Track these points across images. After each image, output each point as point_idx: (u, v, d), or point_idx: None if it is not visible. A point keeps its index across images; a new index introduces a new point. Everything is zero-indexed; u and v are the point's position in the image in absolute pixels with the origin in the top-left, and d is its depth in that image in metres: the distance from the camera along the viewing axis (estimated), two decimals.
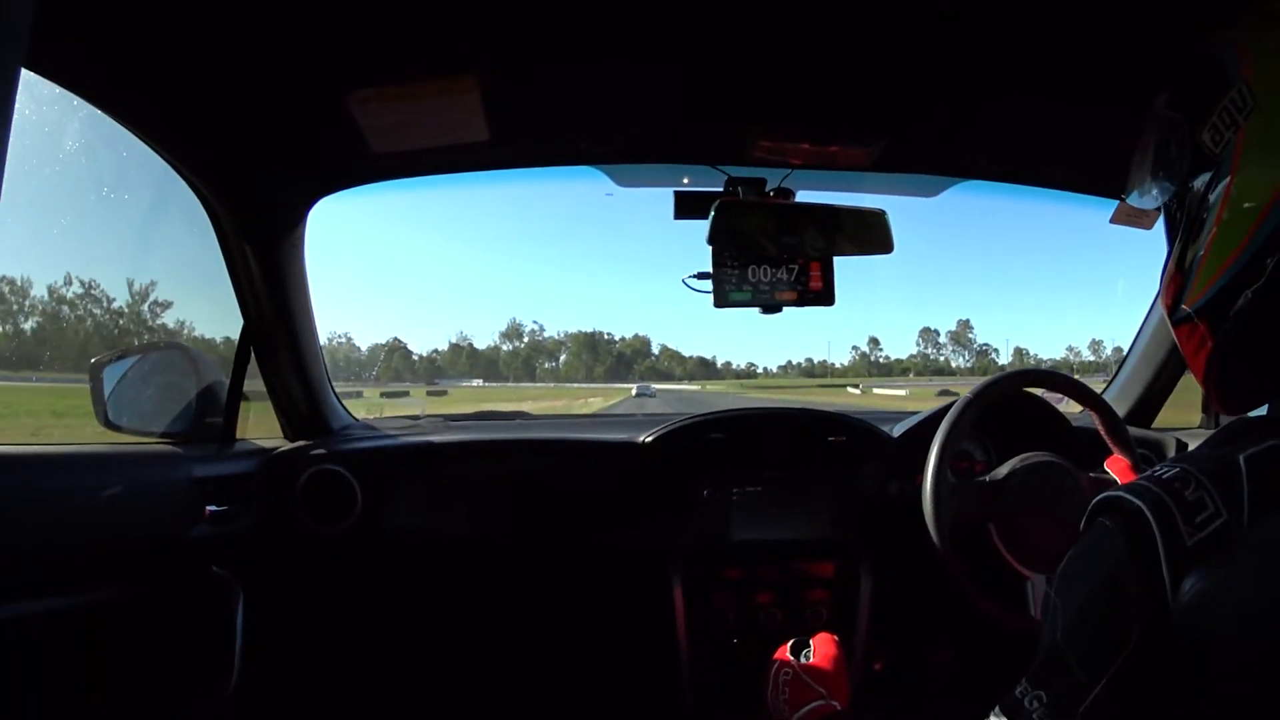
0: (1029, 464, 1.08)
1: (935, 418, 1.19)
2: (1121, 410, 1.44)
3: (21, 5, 0.30)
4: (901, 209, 1.24)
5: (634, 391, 33.37)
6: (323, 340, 1.33)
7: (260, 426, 1.30)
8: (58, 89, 0.84)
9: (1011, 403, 1.25)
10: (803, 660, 0.87)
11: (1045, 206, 1.40)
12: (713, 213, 1.08)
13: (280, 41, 0.83)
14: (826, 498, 1.28)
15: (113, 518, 0.95)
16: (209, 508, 1.07)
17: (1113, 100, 0.89)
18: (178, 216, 1.17)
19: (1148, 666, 0.40)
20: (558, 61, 0.91)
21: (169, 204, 1.16)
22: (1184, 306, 0.50)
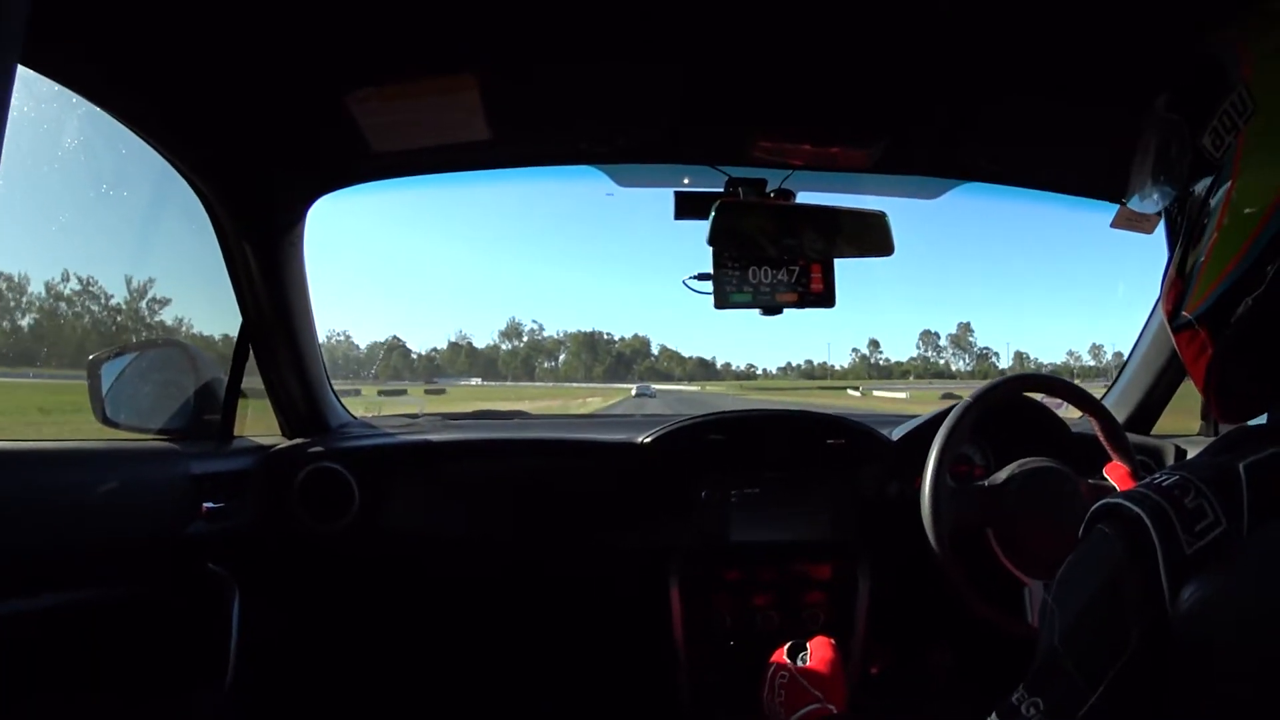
0: (1028, 469, 1.08)
1: (935, 421, 1.19)
2: (1121, 416, 1.43)
3: (17, 3, 0.30)
4: (902, 211, 1.24)
5: (634, 391, 33.29)
6: (321, 338, 1.33)
7: (258, 424, 1.30)
8: (57, 87, 0.84)
9: (1011, 407, 1.25)
10: (799, 663, 0.87)
11: (1046, 209, 1.40)
12: (713, 213, 1.08)
13: (280, 40, 0.83)
14: (825, 499, 1.27)
15: (109, 514, 0.95)
16: (206, 504, 1.07)
17: (1113, 101, 0.89)
18: (176, 214, 1.17)
19: (1146, 673, 0.40)
20: (558, 61, 0.91)
21: (168, 202, 1.16)
22: (1184, 313, 0.50)
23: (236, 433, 1.23)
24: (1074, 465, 1.10)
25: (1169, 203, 0.53)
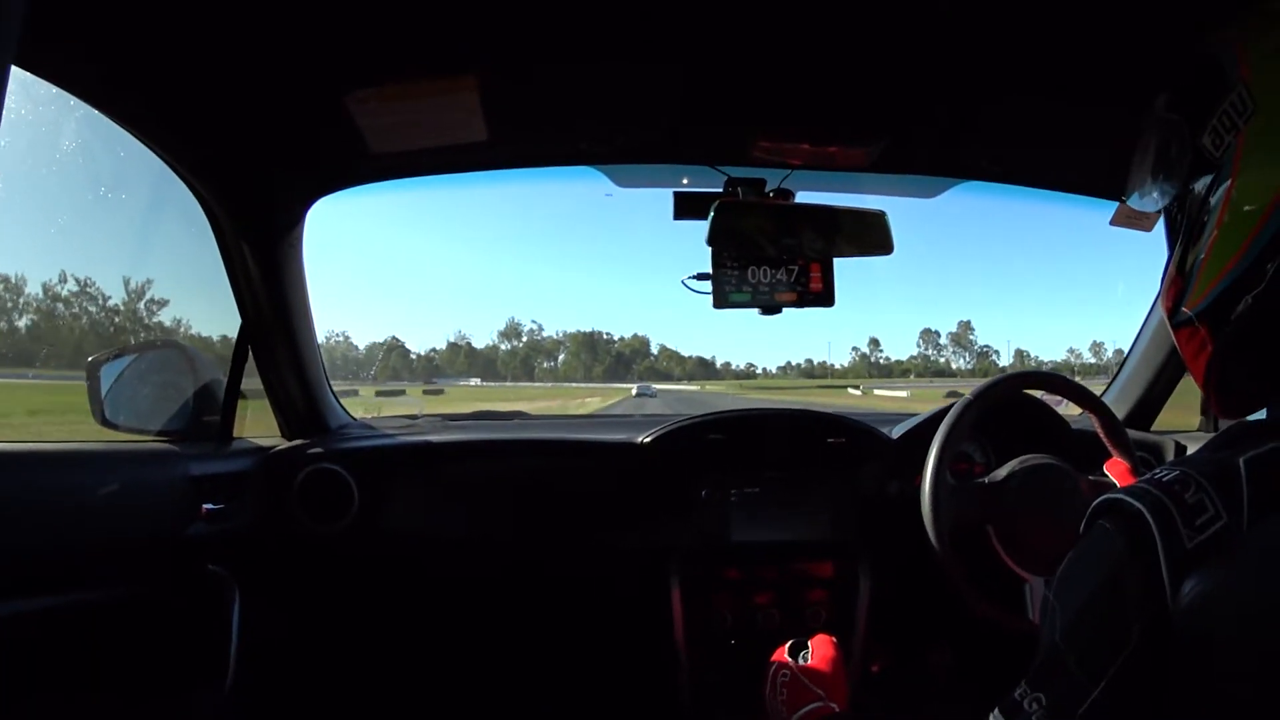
0: (1028, 466, 1.08)
1: (935, 419, 1.19)
2: (1121, 413, 1.44)
3: (13, 4, 0.30)
4: (901, 210, 1.24)
5: (634, 391, 33.23)
6: (320, 339, 1.33)
7: (258, 425, 1.30)
8: (54, 89, 0.84)
9: (1011, 404, 1.25)
10: (801, 661, 0.87)
11: (1046, 207, 1.40)
12: (712, 213, 1.08)
13: (279, 41, 0.83)
14: (825, 498, 1.27)
15: (109, 515, 0.95)
16: (205, 506, 1.07)
17: (1113, 100, 0.90)
18: (175, 215, 1.17)
19: (1147, 668, 0.40)
20: (557, 61, 0.91)
21: (166, 203, 1.16)
22: (1184, 310, 0.50)
23: (236, 434, 1.23)
24: (1074, 462, 1.10)
25: (1168, 201, 0.54)
